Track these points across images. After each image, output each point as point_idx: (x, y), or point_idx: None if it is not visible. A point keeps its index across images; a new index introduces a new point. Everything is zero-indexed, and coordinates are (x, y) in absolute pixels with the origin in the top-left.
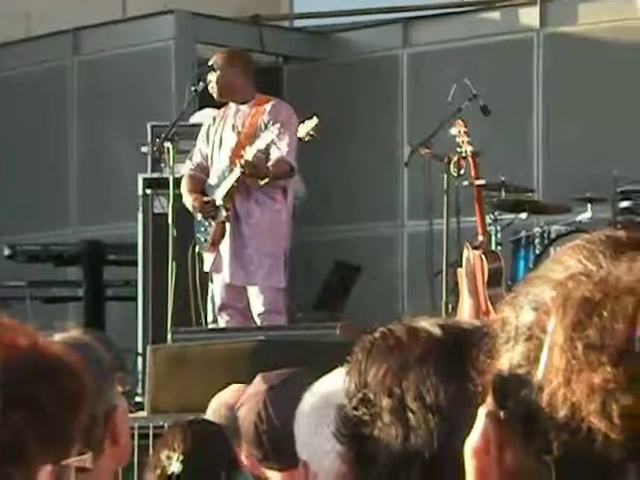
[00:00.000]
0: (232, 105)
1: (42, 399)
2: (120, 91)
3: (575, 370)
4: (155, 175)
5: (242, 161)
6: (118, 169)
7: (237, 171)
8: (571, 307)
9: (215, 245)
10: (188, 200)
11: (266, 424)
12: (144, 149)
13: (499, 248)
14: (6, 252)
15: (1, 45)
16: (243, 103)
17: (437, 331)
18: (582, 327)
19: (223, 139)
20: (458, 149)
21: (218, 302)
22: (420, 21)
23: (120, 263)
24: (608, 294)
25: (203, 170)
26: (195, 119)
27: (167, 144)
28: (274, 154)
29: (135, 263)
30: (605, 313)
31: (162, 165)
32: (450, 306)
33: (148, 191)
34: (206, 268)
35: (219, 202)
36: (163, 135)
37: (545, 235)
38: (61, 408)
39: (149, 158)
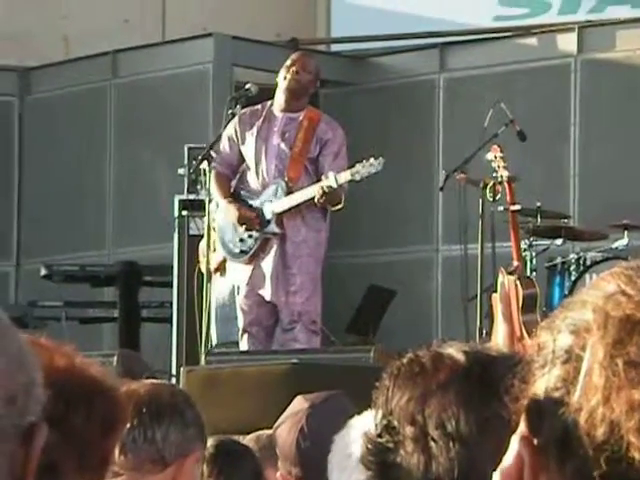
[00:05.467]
0: (277, 109)
1: (75, 420)
2: (158, 113)
3: (615, 387)
4: (191, 197)
5: (325, 187)
6: (155, 191)
7: (312, 191)
8: (612, 325)
9: (254, 259)
10: (229, 207)
11: (309, 440)
12: (181, 171)
13: (534, 274)
14: (43, 272)
15: (41, 67)
16: (295, 111)
17: (461, 358)
18: (622, 345)
19: (269, 146)
20: (494, 174)
21: (247, 317)
22: (457, 46)
23: (155, 284)
24: None
25: (228, 167)
26: None
27: (203, 166)
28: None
29: (170, 284)
30: None
31: (198, 187)
32: (484, 331)
33: (184, 213)
34: (238, 280)
35: (270, 216)
36: (200, 157)
37: (581, 262)
38: (94, 430)
39: (186, 180)
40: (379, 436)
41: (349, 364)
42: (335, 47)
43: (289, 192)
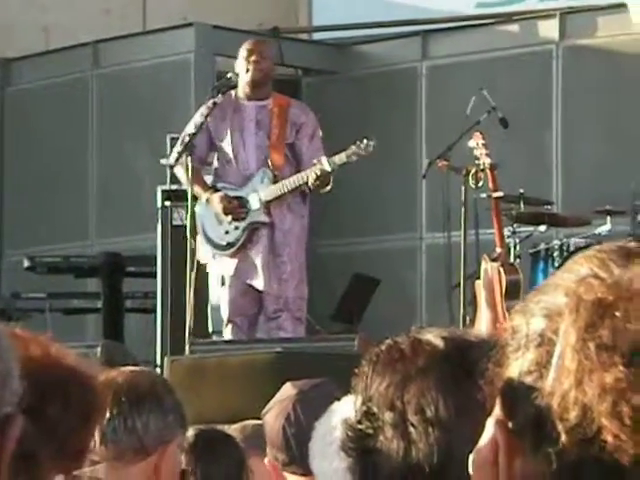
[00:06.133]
0: (244, 99)
1: (52, 410)
2: (140, 103)
3: (587, 370)
4: (174, 187)
5: (317, 171)
6: (137, 181)
7: (303, 176)
8: (584, 309)
9: (241, 249)
10: (212, 199)
11: (295, 427)
12: (163, 161)
13: (518, 261)
14: (26, 264)
15: (21, 58)
16: (263, 99)
17: (440, 343)
18: (594, 328)
19: (246, 136)
20: (476, 161)
21: (231, 307)
22: (439, 33)
23: (139, 275)
24: (620, 296)
25: (197, 159)
26: None
27: (185, 156)
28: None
29: (154, 275)
30: (618, 314)
31: None
32: (468, 318)
33: (167, 203)
34: (224, 272)
35: (257, 205)
36: (180, 149)
37: (564, 248)
38: (71, 419)
39: (168, 170)
40: (359, 422)
41: (333, 352)
42: (317, 35)
43: (275, 180)
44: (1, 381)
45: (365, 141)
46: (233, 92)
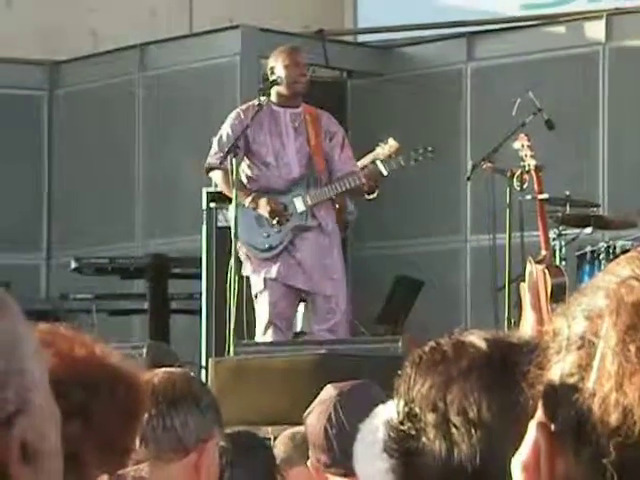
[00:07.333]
0: (277, 106)
1: (96, 410)
2: (186, 106)
3: (627, 373)
4: (219, 189)
5: (370, 174)
6: (183, 183)
7: (352, 180)
8: (624, 311)
9: (283, 252)
10: (258, 202)
11: (337, 427)
12: (209, 160)
13: (563, 263)
14: (73, 265)
15: (70, 60)
16: (297, 107)
17: (483, 345)
18: (635, 330)
19: (287, 142)
20: (521, 163)
21: (272, 310)
22: (484, 35)
23: (184, 276)
24: None
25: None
26: None
27: (231, 158)
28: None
29: (199, 276)
30: None
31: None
32: (513, 321)
33: (212, 205)
34: (264, 274)
35: (303, 208)
36: (227, 149)
37: (610, 250)
38: (115, 418)
39: (205, 173)
40: (401, 423)
41: (378, 354)
42: (362, 37)
43: (320, 183)
44: (2, 378)
45: (421, 150)
46: (263, 99)
